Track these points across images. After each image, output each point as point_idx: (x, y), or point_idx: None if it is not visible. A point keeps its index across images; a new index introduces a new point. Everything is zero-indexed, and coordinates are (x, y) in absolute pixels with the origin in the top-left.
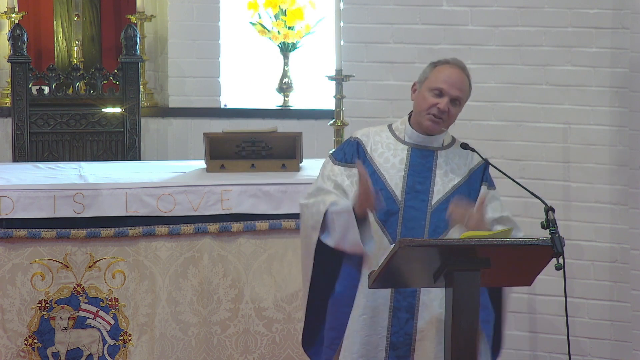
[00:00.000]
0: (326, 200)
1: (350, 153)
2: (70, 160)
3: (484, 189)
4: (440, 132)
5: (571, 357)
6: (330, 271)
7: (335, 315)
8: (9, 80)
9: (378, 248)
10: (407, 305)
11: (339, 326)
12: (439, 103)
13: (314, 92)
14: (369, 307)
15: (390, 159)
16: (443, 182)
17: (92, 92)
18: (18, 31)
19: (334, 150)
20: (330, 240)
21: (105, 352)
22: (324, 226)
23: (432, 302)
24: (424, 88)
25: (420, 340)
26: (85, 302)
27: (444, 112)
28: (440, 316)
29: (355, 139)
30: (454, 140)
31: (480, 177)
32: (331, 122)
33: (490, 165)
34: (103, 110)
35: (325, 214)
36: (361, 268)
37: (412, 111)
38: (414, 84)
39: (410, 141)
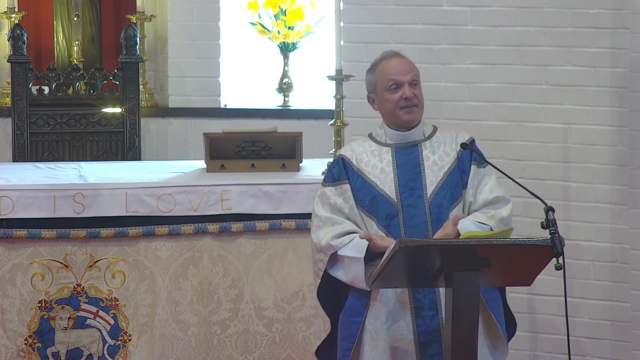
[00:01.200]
0: (329, 249)
1: (337, 171)
2: (70, 160)
3: (473, 168)
4: (420, 117)
5: (571, 357)
6: (340, 288)
7: (347, 326)
8: (9, 80)
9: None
10: (429, 303)
11: (350, 336)
12: (403, 93)
13: (314, 92)
14: (390, 314)
15: (377, 164)
16: (433, 172)
17: (92, 92)
18: (18, 31)
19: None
20: (339, 276)
21: (105, 352)
22: (334, 261)
23: None
24: (380, 92)
25: None
26: (85, 302)
27: (412, 98)
28: None
29: (340, 156)
30: (435, 128)
31: (469, 156)
32: (331, 122)
33: (475, 144)
34: (103, 110)
35: (336, 252)
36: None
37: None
38: (368, 97)
39: (391, 142)
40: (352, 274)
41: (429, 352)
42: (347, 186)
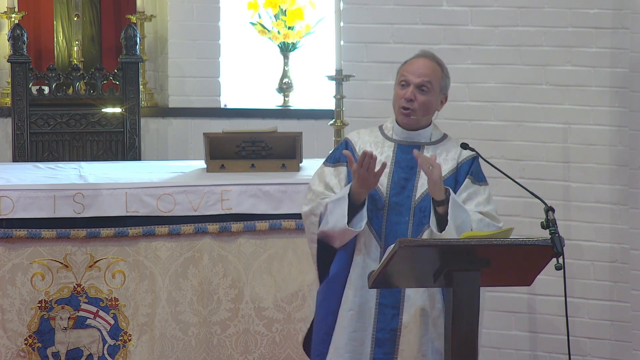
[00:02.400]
0: (318, 208)
1: (339, 153)
2: (70, 160)
3: (467, 180)
4: (416, 123)
5: (571, 357)
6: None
7: (329, 298)
8: (9, 80)
9: (364, 243)
10: (393, 301)
11: (335, 311)
12: (405, 93)
13: (314, 92)
14: (356, 303)
15: (377, 157)
16: None
17: (92, 92)
18: (18, 31)
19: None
20: (326, 228)
21: (105, 352)
22: (322, 217)
23: (418, 295)
24: (395, 85)
25: (404, 335)
26: (85, 302)
27: (410, 101)
28: (425, 307)
29: (346, 139)
30: (445, 136)
31: (467, 169)
32: (331, 122)
33: (480, 160)
34: (103, 110)
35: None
36: (352, 253)
37: None
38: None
39: (397, 138)
40: (335, 216)
41: (383, 349)
42: (344, 169)
